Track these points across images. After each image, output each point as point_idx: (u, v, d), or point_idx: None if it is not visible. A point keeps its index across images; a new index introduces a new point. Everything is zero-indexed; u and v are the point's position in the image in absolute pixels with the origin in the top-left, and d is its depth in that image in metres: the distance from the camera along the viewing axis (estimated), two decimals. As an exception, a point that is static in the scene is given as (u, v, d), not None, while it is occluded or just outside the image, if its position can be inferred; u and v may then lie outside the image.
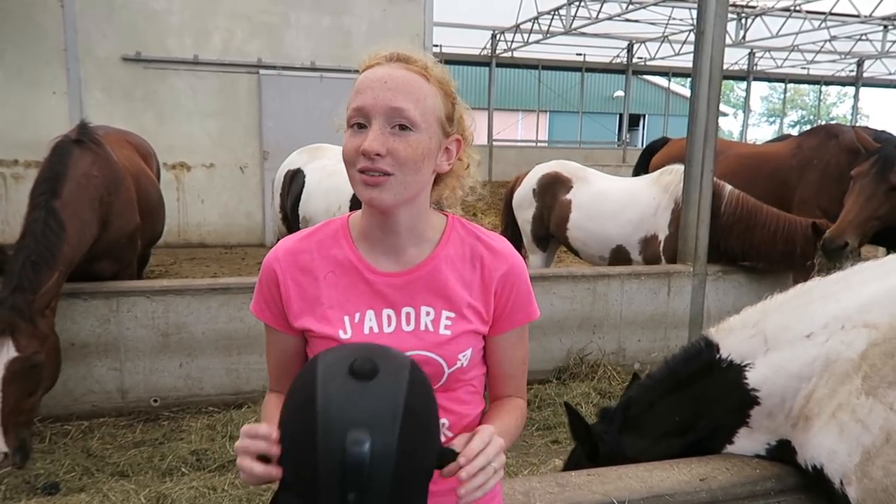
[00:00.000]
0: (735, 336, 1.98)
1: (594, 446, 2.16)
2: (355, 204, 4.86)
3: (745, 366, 1.93)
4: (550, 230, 5.89)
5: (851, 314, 1.79)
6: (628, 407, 2.20)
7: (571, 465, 2.28)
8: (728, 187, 5.11)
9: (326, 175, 5.43)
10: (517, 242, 5.95)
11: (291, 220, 5.68)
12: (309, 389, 0.98)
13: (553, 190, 5.82)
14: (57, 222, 3.45)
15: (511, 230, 6.15)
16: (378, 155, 1.11)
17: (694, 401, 2.05)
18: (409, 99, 1.14)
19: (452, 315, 1.25)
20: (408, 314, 1.24)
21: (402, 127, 1.13)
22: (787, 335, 1.87)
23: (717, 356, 1.99)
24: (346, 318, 1.23)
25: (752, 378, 1.91)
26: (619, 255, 5.41)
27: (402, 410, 0.97)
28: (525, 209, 6.04)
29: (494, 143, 19.96)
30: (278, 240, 5.90)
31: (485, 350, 1.33)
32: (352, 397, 0.96)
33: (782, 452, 1.92)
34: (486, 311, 1.28)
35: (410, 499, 1.00)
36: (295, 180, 5.70)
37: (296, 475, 1.00)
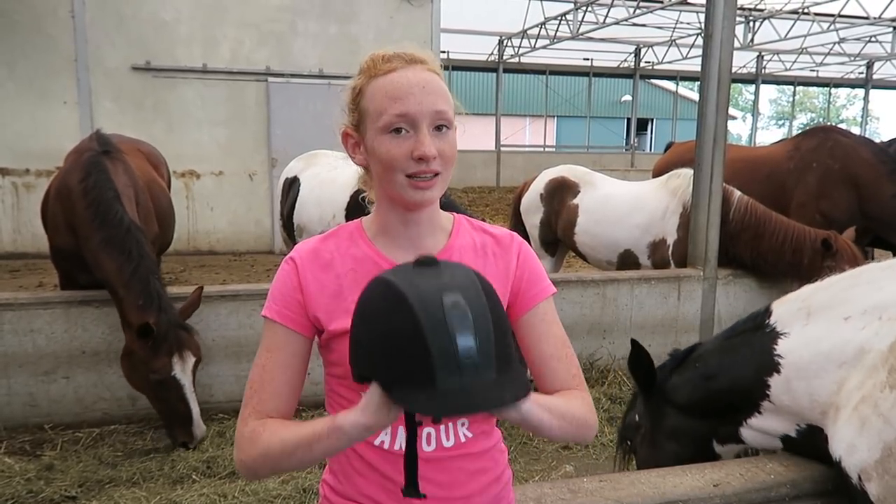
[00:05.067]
0: (786, 306, 2.07)
1: (651, 380, 2.31)
2: (350, 214, 4.77)
3: (782, 334, 1.99)
4: (558, 235, 5.87)
5: (889, 305, 1.79)
6: (693, 349, 2.34)
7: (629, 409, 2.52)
8: (737, 193, 5.07)
9: (318, 184, 5.31)
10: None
11: (288, 228, 5.62)
12: (388, 291, 1.02)
13: (560, 195, 5.81)
14: (143, 241, 3.82)
15: (520, 235, 6.13)
16: (433, 158, 1.18)
17: (723, 352, 2.16)
18: (444, 100, 1.21)
19: None
20: None
21: (440, 127, 1.20)
22: (827, 313, 1.91)
23: (766, 321, 2.07)
24: None
25: (782, 346, 1.97)
26: (626, 260, 5.39)
27: (475, 276, 1.06)
28: (533, 214, 6.03)
29: (502, 149, 19.98)
30: (288, 246, 5.79)
31: (517, 339, 1.32)
32: (430, 278, 1.03)
33: (814, 440, 1.90)
34: (503, 297, 1.29)
35: (509, 346, 1.05)
36: (292, 188, 5.62)
37: (405, 366, 0.99)
